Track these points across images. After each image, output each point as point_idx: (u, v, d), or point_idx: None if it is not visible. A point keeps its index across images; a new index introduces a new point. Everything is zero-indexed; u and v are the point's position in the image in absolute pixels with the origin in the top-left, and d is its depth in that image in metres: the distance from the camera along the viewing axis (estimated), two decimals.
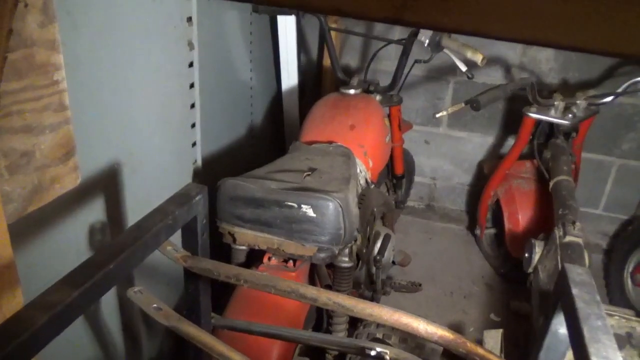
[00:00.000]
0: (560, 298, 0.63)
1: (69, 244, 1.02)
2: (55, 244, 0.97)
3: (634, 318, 1.24)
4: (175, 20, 1.27)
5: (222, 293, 1.26)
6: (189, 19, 1.34)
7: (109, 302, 1.20)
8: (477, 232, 2.37)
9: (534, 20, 0.32)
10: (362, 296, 1.60)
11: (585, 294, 0.60)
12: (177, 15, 1.27)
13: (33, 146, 0.70)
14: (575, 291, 0.60)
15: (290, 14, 1.94)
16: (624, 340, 1.20)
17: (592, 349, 0.52)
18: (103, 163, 1.08)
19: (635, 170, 2.33)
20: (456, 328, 1.95)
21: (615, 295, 2.11)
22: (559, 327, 0.64)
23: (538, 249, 1.69)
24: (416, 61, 1.86)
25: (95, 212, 1.08)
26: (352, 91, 1.75)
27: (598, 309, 0.58)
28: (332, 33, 1.95)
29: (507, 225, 2.12)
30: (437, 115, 1.81)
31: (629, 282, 2.08)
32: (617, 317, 1.23)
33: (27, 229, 0.89)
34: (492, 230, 2.36)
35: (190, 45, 1.36)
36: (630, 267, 2.08)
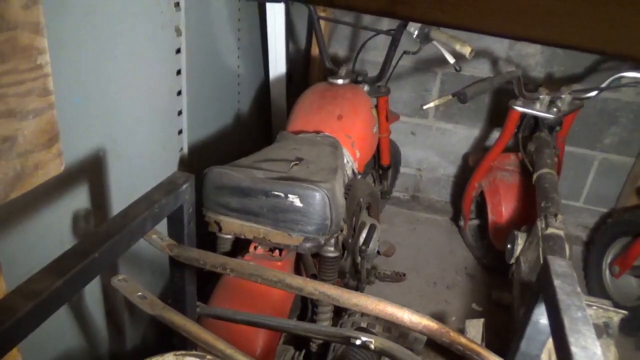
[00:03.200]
0: (542, 289, 0.64)
1: (53, 232, 1.00)
2: (39, 231, 0.95)
3: (611, 308, 1.27)
4: (162, 6, 1.24)
5: (207, 281, 1.26)
6: (177, 4, 1.32)
7: (93, 290, 1.19)
8: (461, 223, 2.40)
9: (524, 17, 0.32)
10: (347, 286, 1.61)
11: (566, 286, 0.61)
12: (164, 0, 1.25)
13: (16, 131, 0.68)
14: (557, 283, 0.62)
15: (279, 1, 1.92)
16: (601, 330, 1.23)
17: (572, 339, 0.53)
18: (87, 150, 1.06)
19: (616, 164, 2.37)
20: (439, 317, 1.98)
21: (593, 286, 2.16)
22: (540, 317, 0.65)
23: (520, 240, 1.72)
24: (405, 52, 1.86)
25: (79, 199, 1.07)
26: (340, 81, 1.75)
27: (579, 300, 0.59)
28: (321, 22, 1.94)
29: (491, 216, 2.15)
30: (425, 107, 1.82)
31: (607, 274, 2.13)
32: (595, 308, 1.26)
33: (9, 216, 0.88)
34: (476, 222, 2.40)
35: (178, 31, 1.34)
36: (608, 258, 2.13)
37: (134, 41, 1.15)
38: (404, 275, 2.06)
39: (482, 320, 1.46)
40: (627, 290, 2.07)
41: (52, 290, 0.56)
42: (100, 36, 1.03)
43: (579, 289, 0.61)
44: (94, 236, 0.65)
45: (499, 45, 2.28)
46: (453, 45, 1.60)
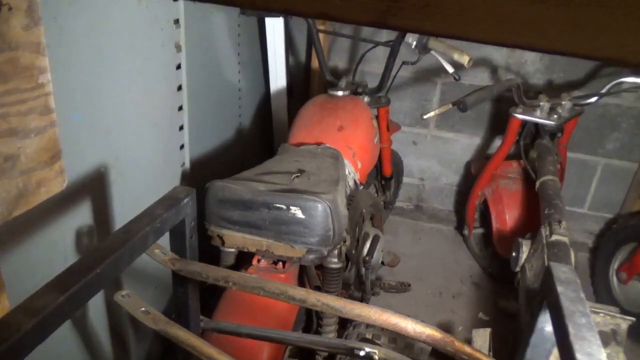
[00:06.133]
0: (545, 296, 0.64)
1: (56, 248, 1.01)
2: (42, 248, 0.96)
3: (618, 315, 1.25)
4: (162, 23, 1.26)
5: (211, 295, 1.26)
6: (176, 21, 1.33)
7: (96, 306, 1.19)
8: (465, 232, 2.39)
9: (515, 24, 0.33)
10: (351, 297, 1.60)
11: (570, 292, 0.61)
12: (163, 17, 1.27)
13: (18, 150, 0.69)
14: (560, 289, 0.61)
15: (278, 15, 1.94)
16: (609, 337, 1.22)
17: (576, 346, 0.53)
18: (89, 166, 1.07)
19: (619, 170, 2.37)
20: (445, 327, 1.96)
21: (601, 292, 2.14)
22: (545, 324, 0.65)
23: (525, 248, 1.71)
24: (404, 63, 1.87)
25: (82, 216, 1.07)
26: (340, 93, 1.76)
27: (582, 306, 0.59)
28: (320, 35, 1.96)
29: (495, 225, 2.14)
30: (425, 117, 1.83)
31: (614, 280, 2.11)
32: (602, 315, 1.25)
33: (12, 233, 0.88)
34: (480, 230, 2.38)
35: (178, 47, 1.36)
36: (615, 264, 2.11)
37: (134, 58, 1.17)
38: (409, 285, 2.05)
39: (488, 329, 1.45)
40: (635, 297, 2.05)
41: (55, 307, 0.56)
42: (100, 54, 1.04)
43: (582, 295, 0.61)
44: (96, 252, 0.66)
45: (498, 53, 2.30)
46: (451, 55, 1.61)
